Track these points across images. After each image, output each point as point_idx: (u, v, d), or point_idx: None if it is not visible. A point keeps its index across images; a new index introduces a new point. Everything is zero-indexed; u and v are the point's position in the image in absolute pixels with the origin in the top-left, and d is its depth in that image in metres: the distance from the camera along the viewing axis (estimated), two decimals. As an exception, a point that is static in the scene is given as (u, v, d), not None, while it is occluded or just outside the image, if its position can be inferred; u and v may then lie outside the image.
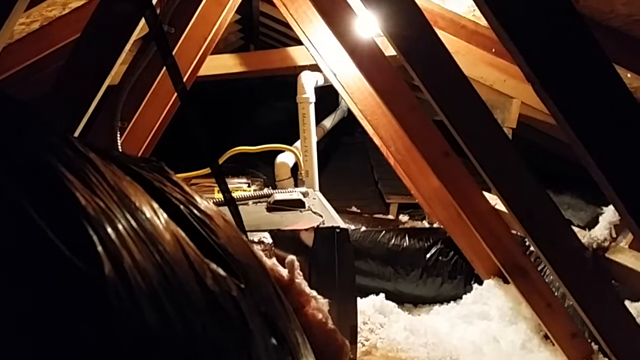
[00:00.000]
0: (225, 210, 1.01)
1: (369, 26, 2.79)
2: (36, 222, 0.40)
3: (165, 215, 0.51)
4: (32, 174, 0.43)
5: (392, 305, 3.69)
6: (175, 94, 2.64)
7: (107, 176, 0.48)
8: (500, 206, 3.01)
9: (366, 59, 2.84)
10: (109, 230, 0.43)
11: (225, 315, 0.50)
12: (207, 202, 0.62)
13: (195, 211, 0.57)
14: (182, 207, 0.56)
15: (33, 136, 0.47)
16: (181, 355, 0.43)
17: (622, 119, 1.31)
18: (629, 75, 2.22)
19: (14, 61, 2.84)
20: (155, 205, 0.51)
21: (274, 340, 0.57)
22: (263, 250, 1.98)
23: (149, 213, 0.49)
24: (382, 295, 3.78)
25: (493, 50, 3.00)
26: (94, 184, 0.46)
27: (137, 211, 0.48)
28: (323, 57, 3.74)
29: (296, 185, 4.38)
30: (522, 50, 1.31)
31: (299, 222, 2.42)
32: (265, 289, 0.63)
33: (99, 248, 0.41)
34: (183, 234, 0.51)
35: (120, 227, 0.44)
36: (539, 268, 3.18)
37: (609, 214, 2.51)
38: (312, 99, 4.22)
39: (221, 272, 0.52)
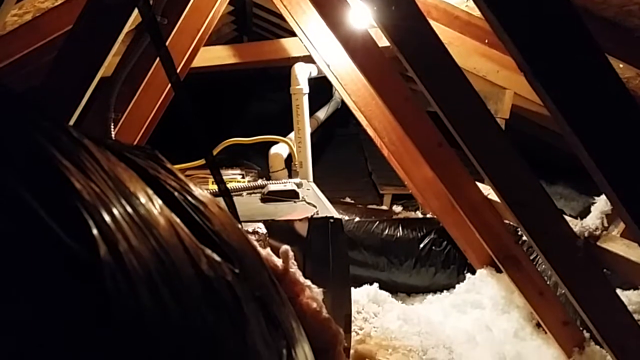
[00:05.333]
0: (220, 201, 1.02)
1: (362, 17, 2.79)
2: (32, 206, 0.40)
3: (160, 201, 0.52)
4: (27, 160, 0.44)
5: (385, 294, 3.71)
6: (169, 86, 2.64)
7: (102, 162, 0.48)
8: (493, 196, 3.02)
9: (360, 50, 2.84)
10: (104, 214, 0.43)
11: (220, 299, 0.50)
12: (201, 189, 0.62)
13: (190, 198, 0.57)
14: (176, 194, 0.56)
15: (27, 122, 0.48)
16: (176, 338, 0.44)
17: (614, 109, 1.31)
18: (621, 65, 2.23)
19: (6, 53, 2.82)
20: (150, 192, 0.52)
21: (268, 325, 0.57)
22: (257, 241, 1.98)
23: (143, 199, 0.50)
24: (375, 284, 3.80)
25: (486, 41, 3.01)
26: (88, 170, 0.46)
27: (132, 197, 0.48)
28: (316, 49, 3.74)
29: (290, 176, 4.39)
30: (515, 40, 1.31)
31: (293, 212, 2.43)
32: (259, 275, 0.63)
33: (95, 231, 0.41)
34: (178, 220, 0.52)
35: (115, 211, 0.45)
36: (531, 257, 3.20)
37: (600, 204, 2.53)
38: (306, 90, 4.22)
39: (216, 257, 0.53)
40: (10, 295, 0.38)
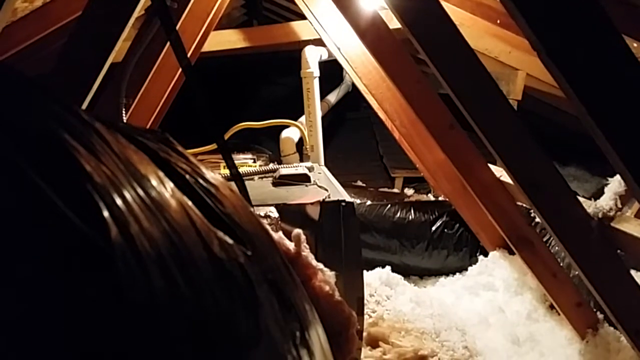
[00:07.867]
0: (232, 185, 1.02)
1: (372, -1, 2.77)
2: (42, 189, 0.40)
3: (171, 184, 0.52)
4: (37, 142, 0.44)
5: (398, 277, 3.72)
6: (180, 70, 2.64)
7: (113, 145, 0.48)
8: (505, 178, 3.01)
9: (370, 33, 2.82)
10: (115, 197, 0.43)
11: (233, 281, 0.50)
12: (212, 172, 0.62)
13: (201, 181, 0.57)
14: (187, 176, 0.56)
15: (37, 105, 0.48)
16: (188, 320, 0.44)
17: (629, 89, 1.30)
18: (635, 45, 2.20)
19: (17, 39, 2.83)
20: (161, 174, 0.52)
21: (281, 307, 0.57)
22: (269, 224, 1.98)
23: (155, 181, 0.49)
24: (388, 267, 3.80)
25: (498, 21, 2.97)
26: (99, 152, 0.46)
27: (143, 179, 0.48)
28: (327, 31, 3.71)
29: (301, 160, 4.39)
30: (528, 20, 1.30)
31: (305, 196, 2.43)
32: (272, 257, 0.63)
33: (106, 214, 0.41)
34: (189, 202, 0.52)
35: (126, 194, 0.45)
36: (544, 239, 3.19)
37: (614, 185, 2.51)
38: (316, 73, 4.20)
39: (228, 239, 0.53)
40: (20, 279, 0.38)
